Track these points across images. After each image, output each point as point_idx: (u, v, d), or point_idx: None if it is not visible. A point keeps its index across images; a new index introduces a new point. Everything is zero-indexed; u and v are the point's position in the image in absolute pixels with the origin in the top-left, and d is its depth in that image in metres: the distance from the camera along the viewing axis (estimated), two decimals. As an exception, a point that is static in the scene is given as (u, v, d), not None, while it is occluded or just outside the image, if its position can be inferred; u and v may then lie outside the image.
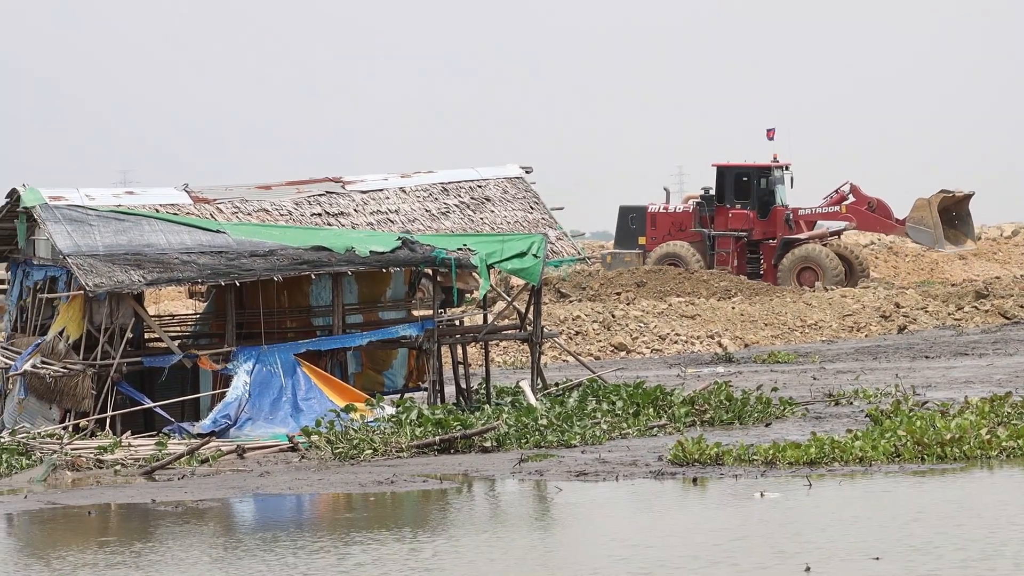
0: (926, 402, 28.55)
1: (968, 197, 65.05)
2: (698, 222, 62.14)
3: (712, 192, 62.30)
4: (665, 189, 65.54)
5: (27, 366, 27.96)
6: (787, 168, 61.95)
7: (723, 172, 61.98)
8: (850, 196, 62.89)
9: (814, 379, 36.49)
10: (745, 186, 61.78)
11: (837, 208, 62.87)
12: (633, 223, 63.91)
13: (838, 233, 63.37)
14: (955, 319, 54.12)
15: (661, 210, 63.23)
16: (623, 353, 48.25)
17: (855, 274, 61.94)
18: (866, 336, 51.82)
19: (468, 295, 48.47)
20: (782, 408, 29.18)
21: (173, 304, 56.88)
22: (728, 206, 61.85)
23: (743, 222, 61.89)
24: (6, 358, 29.24)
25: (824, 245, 61.76)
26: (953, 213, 65.09)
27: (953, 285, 64.05)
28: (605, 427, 27.16)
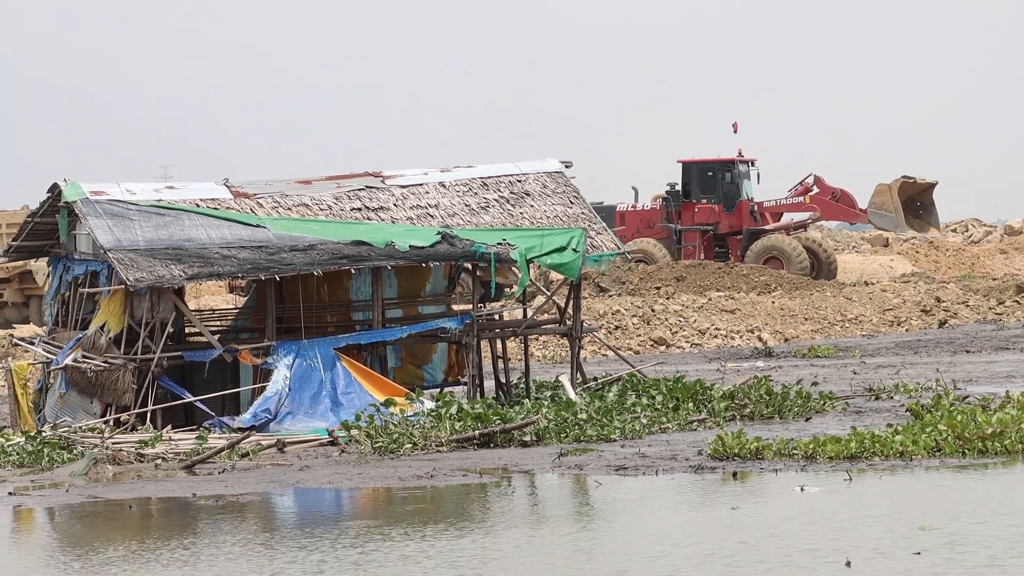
0: (967, 396, 28.42)
1: (932, 186, 65.54)
2: (665, 218, 62.64)
3: (678, 188, 62.81)
4: (633, 188, 66.01)
5: (68, 360, 28.08)
6: (752, 163, 62.33)
7: (688, 168, 62.64)
8: (814, 187, 63.33)
9: (854, 373, 36.39)
10: (710, 181, 62.28)
11: (802, 199, 63.33)
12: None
13: (803, 225, 64.00)
14: (996, 313, 53.86)
15: (629, 208, 63.86)
16: (662, 347, 48.18)
17: (822, 267, 62.45)
18: (907, 330, 51.63)
19: (507, 289, 48.47)
20: (822, 402, 29.09)
21: (213, 299, 57.05)
22: (694, 201, 62.39)
23: (709, 216, 62.44)
24: (47, 353, 29.38)
25: (789, 235, 62.25)
26: (917, 203, 65.55)
27: (994, 279, 63.80)
28: (645, 421, 27.13)
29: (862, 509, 18.90)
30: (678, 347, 48.32)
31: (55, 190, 29.52)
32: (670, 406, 28.22)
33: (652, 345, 48.23)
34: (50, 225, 30.27)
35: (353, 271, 29.58)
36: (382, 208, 30.89)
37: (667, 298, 53.51)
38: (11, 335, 35.89)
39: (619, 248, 31.55)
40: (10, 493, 22.79)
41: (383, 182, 31.55)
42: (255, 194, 30.50)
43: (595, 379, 31.93)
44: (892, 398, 30.60)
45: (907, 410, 26.97)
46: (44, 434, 26.64)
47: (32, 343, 30.75)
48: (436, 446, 25.60)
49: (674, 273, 57.72)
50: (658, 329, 48.96)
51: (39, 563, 17.59)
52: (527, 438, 25.92)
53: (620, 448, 25.06)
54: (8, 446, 26.22)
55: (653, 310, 50.28)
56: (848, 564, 15.66)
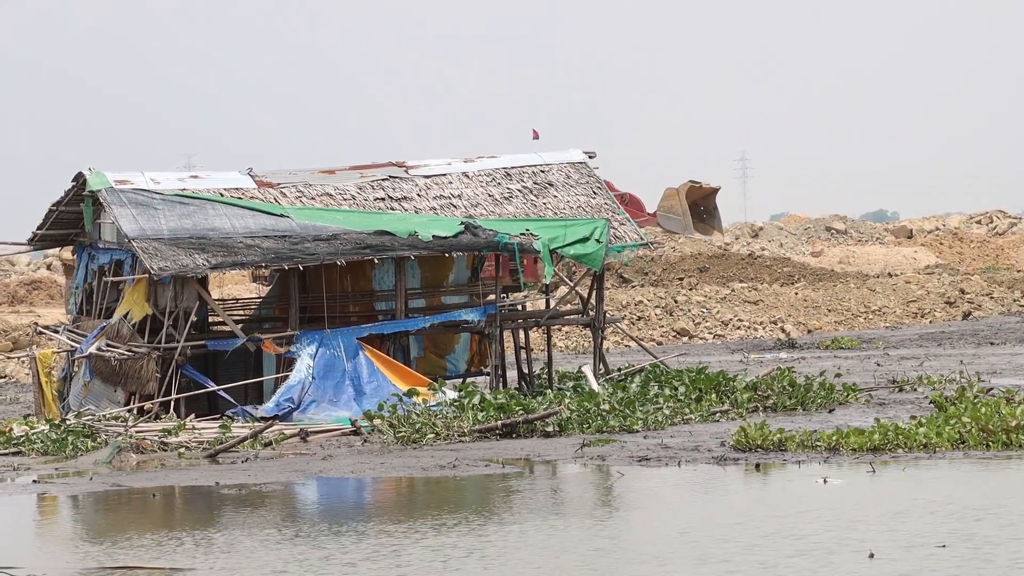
0: (991, 389, 28.33)
1: (716, 191, 66.32)
2: None
3: None
4: None
5: (92, 349, 28.14)
6: None
7: None
8: None
9: (878, 365, 36.30)
10: None
11: None
12: None
13: None
14: (1020, 305, 53.67)
15: None
16: (685, 338, 48.12)
17: None
18: (930, 322, 51.49)
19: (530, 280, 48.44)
20: (845, 394, 29.03)
21: (236, 288, 57.13)
22: None
23: None
24: (72, 341, 29.44)
25: None
26: (701, 207, 66.03)
27: (1019, 271, 63.59)
28: (667, 412, 27.10)
29: (886, 501, 18.85)
30: (701, 338, 48.25)
31: (80, 179, 29.57)
32: (693, 397, 28.19)
33: (675, 336, 48.18)
34: (75, 214, 30.32)
35: (376, 261, 29.59)
36: (405, 198, 30.89)
37: (690, 289, 53.45)
38: (35, 323, 35.97)
39: (642, 239, 31.52)
40: (34, 481, 22.86)
41: (407, 172, 31.55)
42: (279, 183, 30.52)
43: (618, 370, 31.90)
44: (916, 390, 30.52)
45: (931, 402, 26.90)
46: (68, 422, 26.70)
47: (56, 331, 30.82)
48: (459, 436, 25.61)
49: (697, 264, 57.64)
50: (681, 320, 48.89)
51: (63, 550, 17.64)
52: (550, 429, 25.92)
53: (643, 439, 25.03)
54: (32, 434, 26.29)
55: (676, 301, 50.21)
56: (871, 556, 15.62)
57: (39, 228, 30.84)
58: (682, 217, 64.46)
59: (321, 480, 22.56)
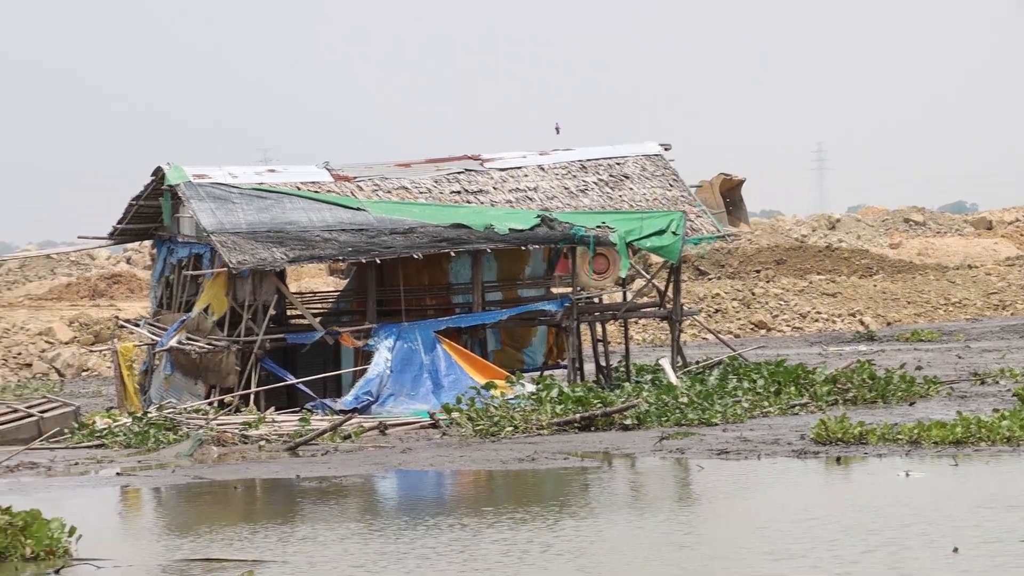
0: (1075, 381, 28.04)
1: (742, 182, 65.66)
2: None
3: None
4: None
5: (173, 342, 28.33)
6: None
7: None
8: None
9: (959, 358, 36.00)
10: None
11: None
12: None
13: None
14: (1103, 297, 53.08)
15: None
16: (763, 331, 47.92)
17: None
18: (1012, 314, 51.03)
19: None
20: (926, 387, 28.81)
21: (313, 281, 57.37)
22: None
23: None
24: (152, 334, 29.65)
25: None
26: (727, 199, 65.37)
27: (1101, 262, 62.84)
28: (746, 405, 27.00)
29: (969, 495, 18.69)
30: (779, 331, 48.03)
31: (159, 173, 29.76)
32: (772, 390, 28.06)
33: (752, 328, 47.98)
34: (154, 208, 30.52)
35: (453, 254, 29.63)
36: (481, 191, 30.91)
37: (767, 281, 53.21)
38: (116, 317, 36.26)
39: (719, 231, 31.39)
40: (118, 473, 23.04)
41: (482, 165, 31.56)
42: (355, 177, 30.61)
43: (696, 363, 31.80)
44: (998, 383, 30.24)
45: (1014, 395, 26.65)
46: (150, 415, 26.89)
47: (137, 325, 31.05)
48: (537, 429, 25.60)
49: (774, 256, 57.37)
50: (758, 312, 48.68)
51: (148, 542, 17.76)
52: (628, 422, 25.87)
53: (721, 432, 24.94)
54: (115, 427, 26.50)
55: (753, 293, 50.00)
56: (956, 550, 15.48)
57: (119, 222, 31.06)
58: (716, 209, 64.13)
59: (400, 473, 22.61)
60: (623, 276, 31.10)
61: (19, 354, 41.51)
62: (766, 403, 27.31)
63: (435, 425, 26.47)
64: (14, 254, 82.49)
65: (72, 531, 16.29)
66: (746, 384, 28.33)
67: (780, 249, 58.66)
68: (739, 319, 48.20)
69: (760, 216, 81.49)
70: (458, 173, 31.18)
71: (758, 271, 56.24)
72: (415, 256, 28.98)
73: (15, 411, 27.70)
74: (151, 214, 30.71)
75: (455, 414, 26.43)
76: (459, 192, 30.74)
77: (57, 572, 15.62)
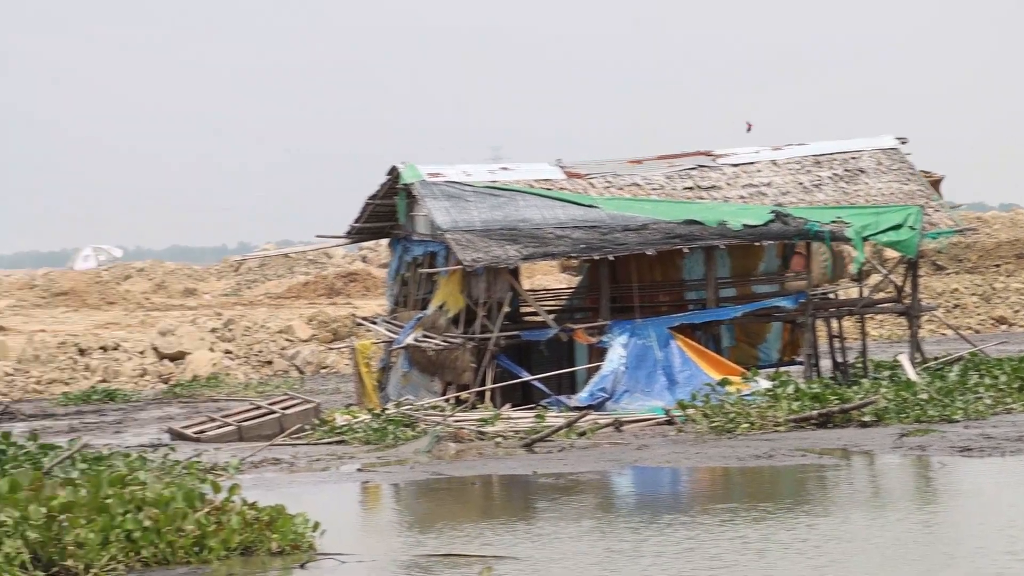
0: None
1: (940, 180, 62.71)
2: None
3: None
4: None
5: (410, 340, 28.70)
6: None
7: None
8: None
9: None
10: None
11: None
12: None
13: None
14: None
15: None
16: (1004, 326, 46.90)
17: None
18: None
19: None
20: None
21: (545, 278, 57.65)
22: None
23: None
24: (389, 332, 30.08)
25: None
26: None
27: None
28: (988, 402, 26.43)
29: None
30: (1021, 326, 46.95)
31: (394, 173, 30.18)
32: (1015, 386, 27.42)
33: (993, 324, 46.98)
34: (389, 207, 30.96)
35: (686, 250, 29.51)
36: (714, 187, 30.75)
37: (1007, 276, 52.04)
38: (353, 314, 36.87)
39: (957, 225, 30.79)
40: (358, 469, 23.42)
41: (714, 161, 31.40)
42: (587, 174, 30.69)
43: (934, 358, 31.23)
44: None
45: None
46: (388, 412, 27.28)
47: (374, 322, 31.52)
48: (773, 426, 25.38)
49: (1014, 250, 56.09)
50: (999, 307, 47.64)
51: (389, 537, 18.02)
52: (866, 418, 25.51)
53: (963, 429, 24.45)
54: (355, 423, 26.93)
55: (993, 288, 48.96)
56: None
57: (356, 221, 31.57)
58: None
59: (636, 469, 22.61)
60: (857, 271, 30.66)
61: (260, 352, 42.45)
62: (1009, 399, 26.71)
63: (670, 422, 26.42)
64: (254, 253, 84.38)
65: (316, 526, 16.59)
66: (988, 380, 27.74)
67: (1020, 243, 57.31)
68: (979, 314, 47.23)
69: (999, 210, 79.60)
70: (690, 169, 31.07)
71: (997, 265, 55.03)
72: (648, 252, 28.94)
73: (258, 408, 28.35)
74: (387, 213, 31.15)
75: (690, 411, 26.34)
76: (691, 188, 30.63)
77: (303, 566, 15.92)
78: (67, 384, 38.79)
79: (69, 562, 15.21)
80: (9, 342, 41.52)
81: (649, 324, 28.63)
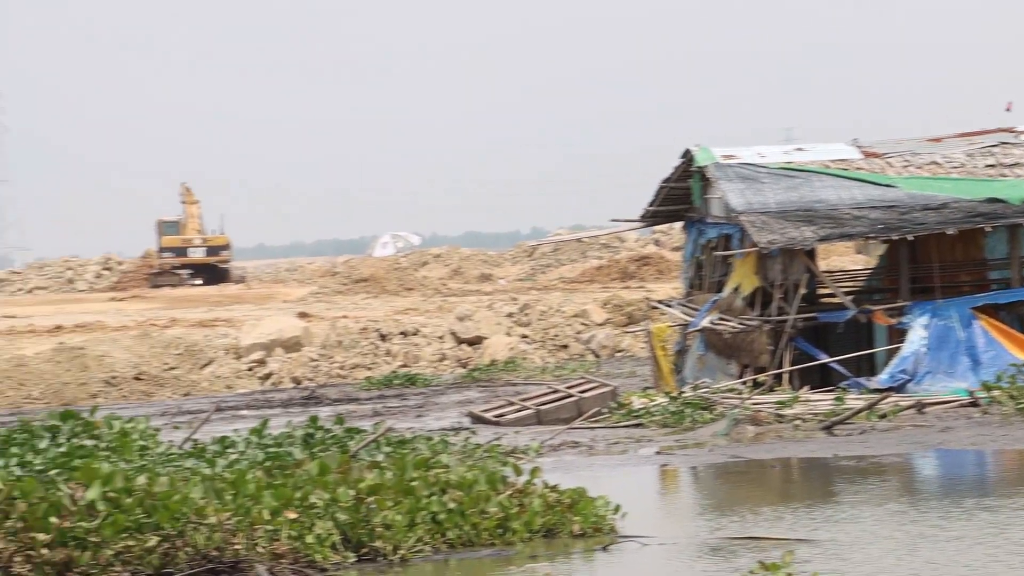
0: None
1: None
2: None
3: None
4: None
5: (705, 322, 28.64)
6: None
7: None
8: None
9: None
10: None
11: None
12: None
13: None
14: None
15: None
16: None
17: None
18: None
19: None
20: None
21: (840, 260, 56.90)
22: None
23: None
24: (684, 315, 30.07)
25: None
26: None
27: None
28: None
29: None
30: None
31: (688, 156, 30.15)
32: None
33: None
34: (683, 190, 30.93)
35: (988, 229, 28.80)
36: (1018, 164, 29.96)
37: None
38: (648, 298, 36.97)
39: None
40: (656, 452, 23.47)
41: (1017, 138, 30.60)
42: (885, 153, 30.19)
43: None
44: None
45: None
46: (685, 394, 27.27)
47: (669, 306, 31.53)
48: (1083, 408, 24.65)
49: None
50: None
51: (690, 520, 18.05)
52: None
53: None
54: (652, 406, 26.99)
55: None
56: None
57: (650, 205, 31.62)
58: None
59: (940, 452, 22.20)
60: None
61: (556, 336, 42.82)
62: None
63: (974, 403, 25.85)
64: (548, 238, 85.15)
65: (617, 509, 16.70)
66: None
67: None
68: None
69: None
70: (992, 146, 30.33)
71: None
72: (949, 232, 28.35)
73: (556, 391, 28.62)
74: (680, 196, 31.13)
75: (996, 392, 25.73)
76: (993, 166, 29.89)
77: (605, 549, 16.04)
78: (369, 369, 39.69)
79: (378, 543, 15.59)
80: (313, 328, 42.68)
81: (951, 304, 28.04)
